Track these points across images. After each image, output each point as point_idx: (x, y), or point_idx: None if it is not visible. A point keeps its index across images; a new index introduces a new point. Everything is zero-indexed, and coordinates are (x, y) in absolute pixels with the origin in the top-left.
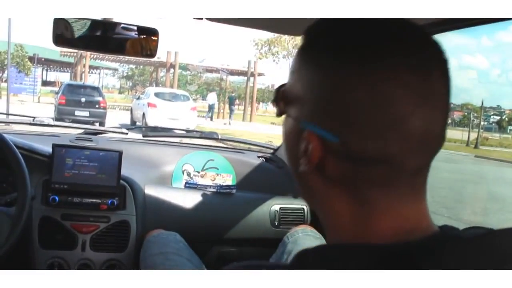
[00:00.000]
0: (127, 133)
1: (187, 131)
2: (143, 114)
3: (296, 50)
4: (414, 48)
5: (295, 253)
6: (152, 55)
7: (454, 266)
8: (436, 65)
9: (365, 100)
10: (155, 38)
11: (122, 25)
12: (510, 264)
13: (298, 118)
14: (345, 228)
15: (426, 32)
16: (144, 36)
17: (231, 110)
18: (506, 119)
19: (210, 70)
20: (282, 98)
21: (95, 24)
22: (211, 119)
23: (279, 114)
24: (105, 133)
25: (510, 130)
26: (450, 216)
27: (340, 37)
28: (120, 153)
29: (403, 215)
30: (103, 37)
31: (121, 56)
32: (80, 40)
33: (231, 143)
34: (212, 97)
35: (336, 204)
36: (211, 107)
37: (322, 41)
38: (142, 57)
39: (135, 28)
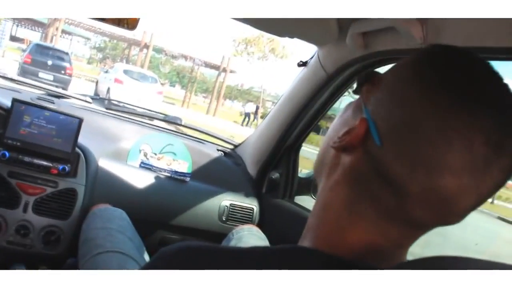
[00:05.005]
0: (91, 102)
1: (152, 111)
2: (108, 89)
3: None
4: (500, 125)
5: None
6: (132, 28)
7: None
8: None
9: (426, 135)
10: None
11: None
12: None
13: (365, 104)
14: (326, 223)
15: None
16: None
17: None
18: None
19: (186, 57)
20: (370, 81)
21: None
22: (247, 124)
23: (355, 91)
24: (68, 98)
25: None
26: None
27: (446, 74)
28: (80, 120)
29: (384, 237)
30: None
31: (96, 26)
32: None
33: (193, 131)
34: (250, 107)
35: (334, 194)
36: (247, 115)
37: (432, 65)
38: (121, 27)
39: None
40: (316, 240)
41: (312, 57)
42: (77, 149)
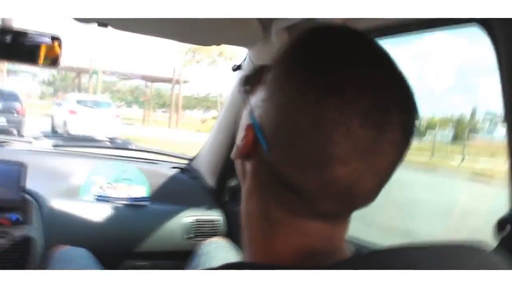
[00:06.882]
0: (33, 143)
1: (99, 141)
2: (64, 122)
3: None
4: (374, 103)
5: (208, 266)
6: (56, 63)
7: None
8: (396, 112)
9: (306, 134)
10: (58, 46)
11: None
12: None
13: (251, 108)
14: (254, 236)
15: (396, 70)
16: (47, 44)
17: None
18: (423, 126)
19: (137, 75)
20: (253, 84)
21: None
22: None
23: (245, 95)
24: (9, 143)
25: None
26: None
27: (314, 60)
28: (21, 165)
29: (308, 235)
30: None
31: None
32: None
33: (145, 153)
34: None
35: (249, 204)
36: None
37: (300, 56)
38: (45, 66)
39: (35, 34)
40: (253, 255)
41: (244, 60)
42: (25, 195)
